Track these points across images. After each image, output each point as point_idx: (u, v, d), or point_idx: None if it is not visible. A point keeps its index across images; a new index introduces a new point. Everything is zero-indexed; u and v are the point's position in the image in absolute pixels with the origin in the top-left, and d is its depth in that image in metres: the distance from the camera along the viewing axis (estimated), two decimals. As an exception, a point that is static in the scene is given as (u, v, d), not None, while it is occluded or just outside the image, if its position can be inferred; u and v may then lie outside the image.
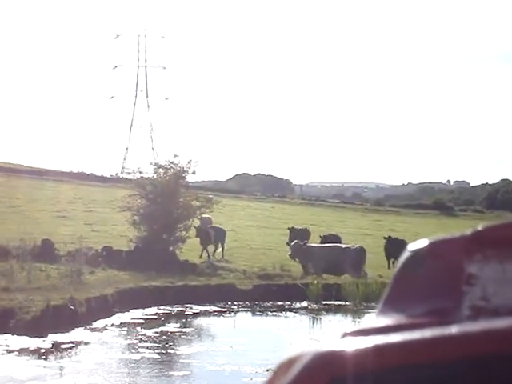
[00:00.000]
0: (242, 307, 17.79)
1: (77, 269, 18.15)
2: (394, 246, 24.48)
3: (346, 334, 1.52)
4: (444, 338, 1.33)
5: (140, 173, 26.83)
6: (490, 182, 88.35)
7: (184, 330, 15.20)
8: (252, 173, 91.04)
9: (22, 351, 12.21)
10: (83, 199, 49.54)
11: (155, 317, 16.15)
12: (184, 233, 25.90)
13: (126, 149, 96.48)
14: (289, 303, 18.23)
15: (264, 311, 17.74)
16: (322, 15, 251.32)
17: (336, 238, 28.20)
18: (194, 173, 26.83)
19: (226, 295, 18.15)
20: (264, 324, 16.43)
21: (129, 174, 28.24)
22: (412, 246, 1.69)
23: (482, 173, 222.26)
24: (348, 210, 60.59)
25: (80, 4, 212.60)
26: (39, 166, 70.67)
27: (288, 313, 17.47)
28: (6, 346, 12.48)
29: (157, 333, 14.39)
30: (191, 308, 17.15)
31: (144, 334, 14.08)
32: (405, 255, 1.70)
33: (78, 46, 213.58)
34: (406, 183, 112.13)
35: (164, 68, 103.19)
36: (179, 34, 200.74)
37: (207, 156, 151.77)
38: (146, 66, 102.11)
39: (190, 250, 26.03)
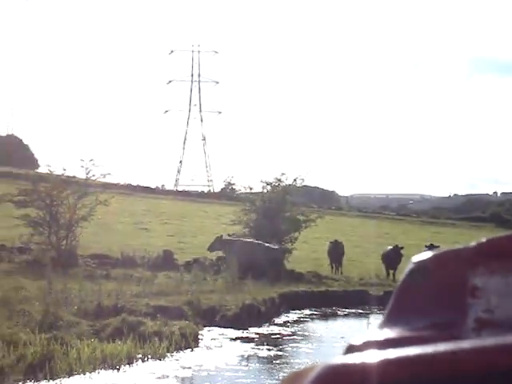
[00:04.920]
0: (380, 311, 21.45)
1: (232, 275, 21.93)
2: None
3: (351, 347, 1.57)
4: (458, 352, 1.32)
5: (250, 189, 30.56)
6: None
7: (345, 326, 19.00)
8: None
9: (241, 339, 16.05)
10: (152, 212, 53.24)
11: (316, 316, 19.99)
12: (290, 244, 29.64)
13: (180, 162, 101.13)
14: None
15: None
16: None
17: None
18: (298, 190, 30.56)
19: (361, 300, 21.86)
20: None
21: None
22: (416, 258, 1.75)
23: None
24: (405, 222, 64.10)
25: (135, 20, 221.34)
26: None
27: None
28: (225, 334, 16.32)
29: (327, 328, 18.24)
30: (339, 310, 20.96)
31: (327, 327, 17.92)
32: (409, 267, 1.75)
33: (133, 61, 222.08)
34: (452, 195, 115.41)
35: (217, 82, 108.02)
36: (232, 49, 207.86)
37: (254, 168, 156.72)
38: (199, 81, 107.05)
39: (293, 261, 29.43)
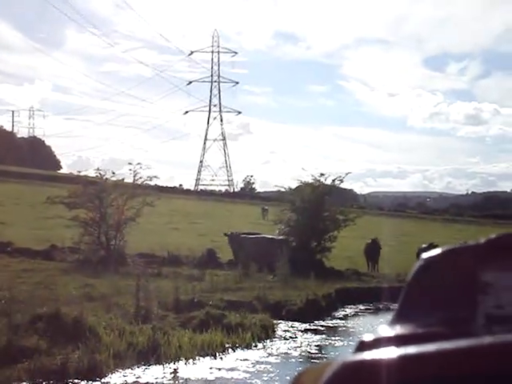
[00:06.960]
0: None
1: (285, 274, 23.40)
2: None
3: (362, 343, 1.64)
4: (475, 349, 1.30)
5: (290, 189, 31.87)
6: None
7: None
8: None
9: (311, 331, 17.54)
10: (178, 212, 54.53)
11: (371, 311, 21.47)
12: (329, 243, 30.92)
13: (200, 162, 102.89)
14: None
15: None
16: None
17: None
18: (335, 189, 31.92)
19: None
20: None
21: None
22: (425, 255, 1.82)
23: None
24: (427, 220, 65.44)
25: (154, 21, 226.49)
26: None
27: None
28: (294, 327, 17.82)
29: (387, 321, 19.65)
30: (391, 304, 22.33)
31: (386, 320, 19.30)
32: (418, 263, 1.82)
33: (153, 61, 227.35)
34: (469, 192, 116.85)
35: (236, 83, 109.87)
36: (251, 49, 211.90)
37: (272, 166, 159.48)
38: (219, 82, 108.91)
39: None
